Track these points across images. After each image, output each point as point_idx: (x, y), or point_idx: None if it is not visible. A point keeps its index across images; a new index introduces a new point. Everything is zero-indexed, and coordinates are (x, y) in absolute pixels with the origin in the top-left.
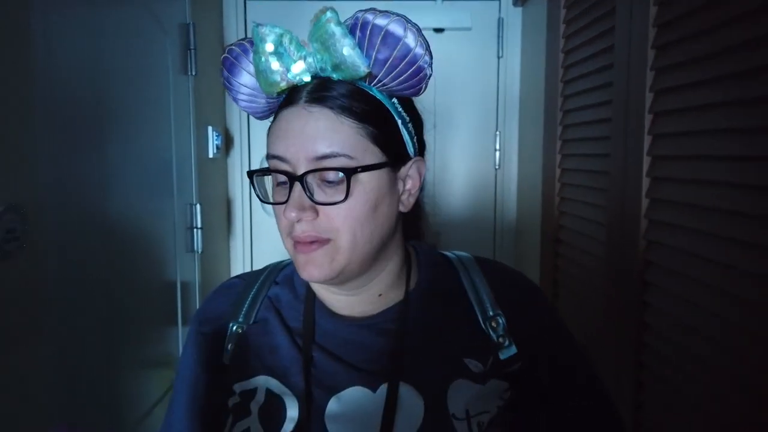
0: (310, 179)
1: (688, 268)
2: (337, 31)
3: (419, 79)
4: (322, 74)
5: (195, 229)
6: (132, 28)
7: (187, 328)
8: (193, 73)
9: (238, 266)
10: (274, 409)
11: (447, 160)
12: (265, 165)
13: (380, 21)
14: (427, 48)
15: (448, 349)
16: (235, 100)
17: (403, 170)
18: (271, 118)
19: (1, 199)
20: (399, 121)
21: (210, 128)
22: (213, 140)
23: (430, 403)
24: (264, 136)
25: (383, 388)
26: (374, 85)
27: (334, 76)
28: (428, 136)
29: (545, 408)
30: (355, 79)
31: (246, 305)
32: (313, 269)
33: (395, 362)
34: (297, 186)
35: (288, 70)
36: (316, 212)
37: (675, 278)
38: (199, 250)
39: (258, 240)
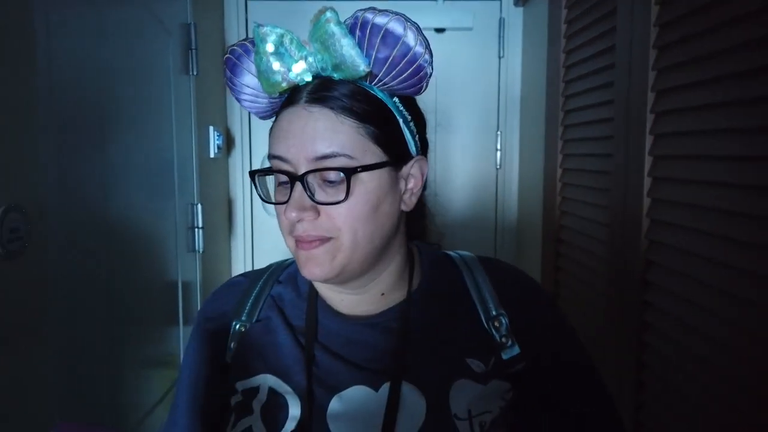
0: (311, 179)
1: (689, 268)
2: (336, 30)
3: (420, 77)
4: (323, 74)
5: (196, 229)
6: (133, 28)
7: (188, 327)
8: (195, 73)
9: (239, 266)
10: (276, 407)
11: (448, 160)
12: (267, 165)
13: (380, 20)
14: (427, 46)
15: (450, 349)
16: (238, 100)
17: (405, 169)
18: (273, 118)
19: (3, 198)
20: (400, 120)
21: (211, 128)
22: (214, 140)
23: (432, 402)
24: (265, 136)
25: (385, 388)
26: (375, 84)
27: (335, 75)
28: (429, 136)
29: (547, 409)
30: (356, 79)
31: (249, 303)
32: (314, 267)
33: (397, 362)
34: (298, 186)
35: (289, 70)
36: (317, 212)
37: (676, 278)
38: (201, 250)
39: (259, 240)
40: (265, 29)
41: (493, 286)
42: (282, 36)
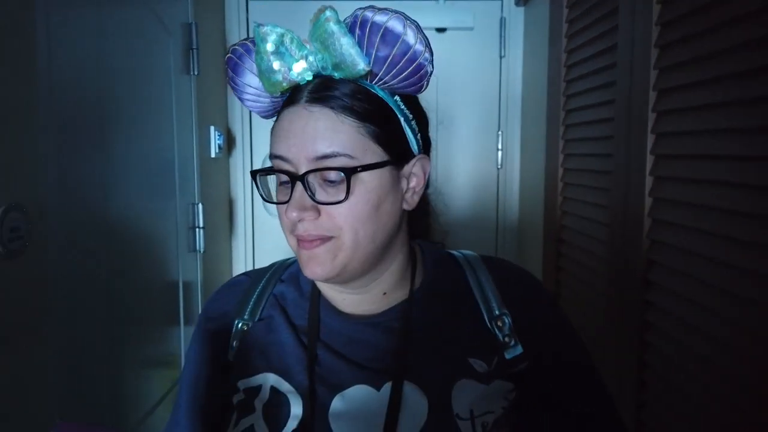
0: (312, 179)
1: (691, 268)
2: (336, 29)
3: (420, 76)
4: (323, 73)
5: (197, 229)
6: (134, 27)
7: (188, 327)
8: (196, 73)
9: (240, 266)
10: (278, 406)
11: (449, 160)
12: (268, 164)
13: (379, 18)
14: (427, 45)
15: (452, 349)
16: (241, 99)
17: (407, 168)
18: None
19: (4, 198)
20: (401, 119)
21: (212, 128)
22: (215, 140)
23: (435, 402)
24: (266, 136)
25: (387, 387)
26: (375, 83)
27: (335, 75)
28: (431, 136)
29: (548, 409)
30: (356, 78)
31: (251, 302)
32: (316, 267)
33: (400, 361)
34: (298, 186)
35: (290, 69)
36: (318, 211)
37: (677, 278)
38: (201, 250)
39: (260, 240)
40: (266, 29)
41: (496, 285)
42: (282, 35)
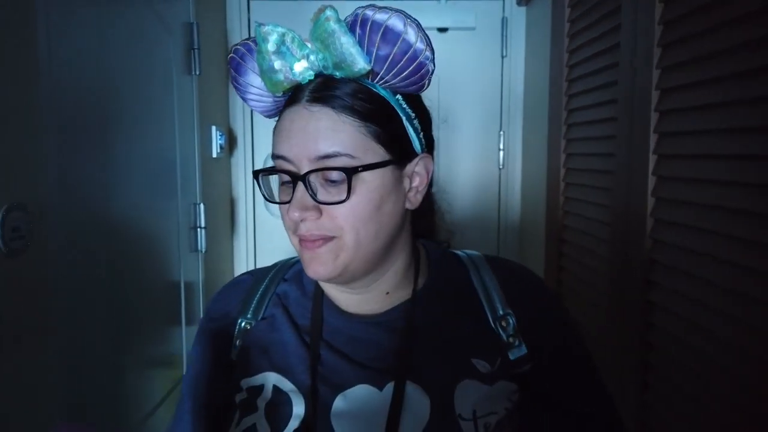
0: (313, 179)
1: (693, 267)
2: (336, 28)
3: (421, 75)
4: (325, 72)
5: (199, 229)
6: (136, 27)
7: (190, 327)
8: (197, 73)
9: (242, 266)
10: (280, 405)
11: (451, 160)
12: (270, 164)
13: (379, 17)
14: (429, 43)
15: (455, 349)
16: (244, 99)
17: (410, 167)
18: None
19: (5, 197)
20: (403, 118)
21: (214, 128)
22: (217, 140)
23: (437, 402)
24: (267, 136)
25: (390, 387)
26: (377, 82)
27: (336, 74)
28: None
29: (548, 409)
30: (357, 77)
31: (254, 302)
32: (318, 266)
33: (402, 361)
34: (300, 186)
35: (291, 69)
36: (320, 211)
37: (680, 277)
38: (203, 250)
39: (262, 239)
40: (267, 28)
41: (500, 285)
42: (283, 35)
